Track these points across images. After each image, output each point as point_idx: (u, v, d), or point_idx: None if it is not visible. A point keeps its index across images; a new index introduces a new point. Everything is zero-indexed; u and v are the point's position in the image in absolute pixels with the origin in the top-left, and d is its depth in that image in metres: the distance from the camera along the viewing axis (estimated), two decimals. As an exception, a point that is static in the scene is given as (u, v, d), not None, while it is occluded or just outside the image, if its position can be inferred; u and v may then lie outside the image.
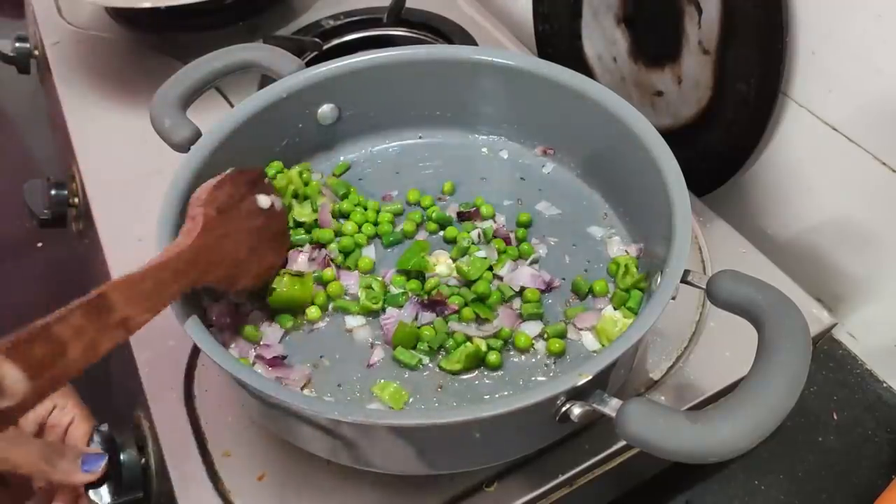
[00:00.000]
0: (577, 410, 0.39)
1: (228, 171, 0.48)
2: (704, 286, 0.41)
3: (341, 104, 0.58)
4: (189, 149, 0.50)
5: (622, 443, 0.48)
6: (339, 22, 0.84)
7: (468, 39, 0.81)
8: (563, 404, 0.39)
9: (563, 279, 0.51)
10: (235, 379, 0.39)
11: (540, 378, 0.46)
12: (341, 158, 0.61)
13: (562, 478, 0.47)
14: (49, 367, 0.31)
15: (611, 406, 0.37)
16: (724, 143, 0.65)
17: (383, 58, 0.57)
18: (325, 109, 0.58)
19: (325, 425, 0.40)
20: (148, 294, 0.37)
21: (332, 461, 0.44)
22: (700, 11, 0.62)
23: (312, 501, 0.46)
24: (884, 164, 0.55)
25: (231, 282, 0.45)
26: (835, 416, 0.58)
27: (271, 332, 0.48)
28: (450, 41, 0.81)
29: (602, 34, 0.76)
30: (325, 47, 0.81)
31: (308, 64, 0.56)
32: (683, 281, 0.42)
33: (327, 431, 0.40)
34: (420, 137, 0.62)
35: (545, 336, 0.48)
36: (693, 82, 0.67)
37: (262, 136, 0.54)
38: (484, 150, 0.61)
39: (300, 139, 0.58)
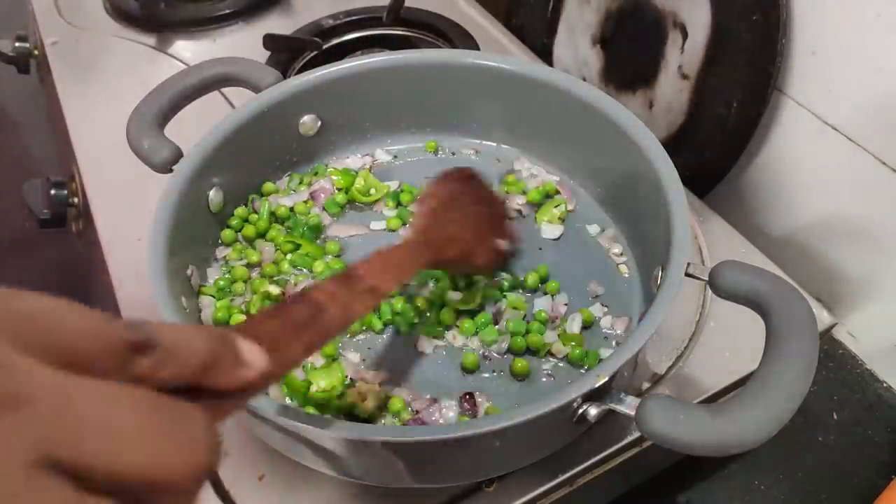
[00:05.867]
0: (593, 411, 0.39)
1: (445, 170, 0.51)
2: (706, 278, 0.41)
3: (323, 114, 0.58)
4: (170, 169, 0.49)
5: (622, 442, 0.48)
6: (338, 21, 0.84)
7: (468, 39, 0.81)
8: (580, 406, 0.39)
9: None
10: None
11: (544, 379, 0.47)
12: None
13: (562, 477, 0.47)
14: (293, 337, 0.31)
15: (628, 404, 0.37)
16: (692, 167, 0.66)
17: (362, 65, 0.56)
18: (307, 120, 0.57)
19: (337, 444, 0.39)
20: (391, 268, 0.40)
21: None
22: (685, 36, 0.63)
23: (312, 501, 0.46)
24: (884, 163, 0.55)
25: (466, 260, 0.48)
26: (835, 416, 0.58)
27: None
28: (449, 41, 0.81)
29: (574, 53, 0.77)
30: (324, 46, 0.80)
31: (308, 64, 0.56)
32: (685, 274, 0.42)
33: (331, 448, 0.40)
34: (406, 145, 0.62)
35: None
36: (665, 107, 0.68)
37: (244, 152, 0.53)
38: (473, 156, 0.61)
39: (282, 152, 0.58)
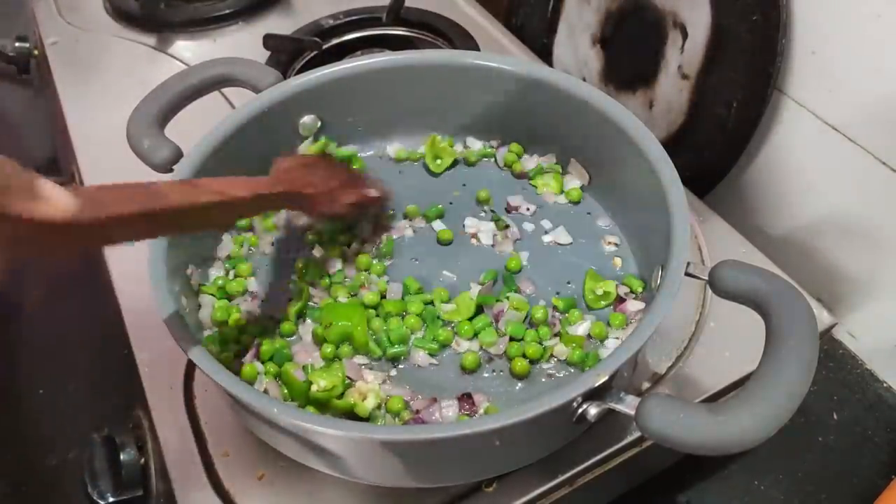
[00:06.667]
0: (593, 411, 0.39)
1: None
2: (706, 277, 0.41)
3: (322, 114, 0.58)
4: (170, 169, 0.49)
5: (622, 442, 0.48)
6: (338, 21, 0.84)
7: (468, 39, 0.81)
8: (580, 406, 0.39)
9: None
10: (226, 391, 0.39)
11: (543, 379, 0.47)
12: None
13: (562, 477, 0.47)
14: (115, 204, 0.32)
15: (628, 404, 0.37)
16: (692, 167, 0.66)
17: (362, 66, 0.56)
18: (307, 120, 0.57)
19: (336, 443, 0.40)
20: (240, 182, 0.42)
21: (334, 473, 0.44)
22: (685, 36, 0.63)
23: (312, 501, 0.46)
24: (884, 163, 0.55)
25: (323, 199, 0.49)
26: (835, 416, 0.58)
27: None
28: (449, 40, 0.81)
29: (574, 53, 0.77)
30: (324, 46, 0.81)
31: (307, 64, 0.56)
32: (685, 273, 0.42)
33: (328, 447, 0.40)
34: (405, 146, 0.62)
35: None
36: (665, 107, 0.68)
37: (244, 152, 0.53)
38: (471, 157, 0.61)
39: (282, 152, 0.58)
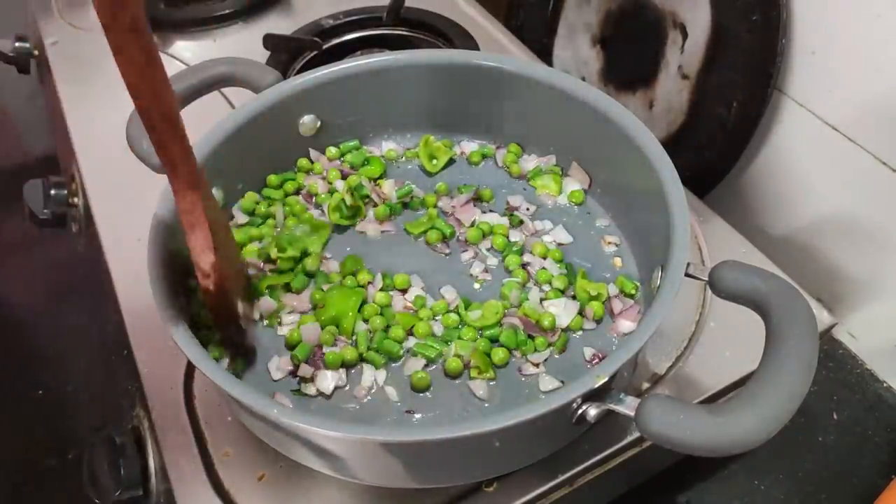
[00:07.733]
0: (593, 412, 0.39)
1: None
2: (706, 278, 0.41)
3: (322, 114, 0.58)
4: None
5: (622, 442, 0.48)
6: (338, 21, 0.84)
7: (468, 39, 0.81)
8: (580, 407, 0.39)
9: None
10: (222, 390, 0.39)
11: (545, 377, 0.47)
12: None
13: (561, 478, 0.47)
14: None
15: (628, 405, 0.37)
16: (692, 167, 0.66)
17: (362, 65, 0.56)
18: (307, 120, 0.57)
19: (332, 442, 0.39)
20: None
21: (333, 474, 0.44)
22: (685, 36, 0.63)
23: (312, 501, 0.46)
24: (884, 163, 0.55)
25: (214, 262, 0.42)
26: (835, 416, 0.58)
27: None
28: (449, 40, 0.81)
29: (575, 53, 0.77)
30: (324, 46, 0.80)
31: (308, 64, 0.56)
32: (685, 274, 0.41)
33: (329, 448, 0.40)
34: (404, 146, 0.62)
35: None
36: (665, 107, 0.68)
37: (244, 153, 0.53)
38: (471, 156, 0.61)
39: (282, 152, 0.58)
